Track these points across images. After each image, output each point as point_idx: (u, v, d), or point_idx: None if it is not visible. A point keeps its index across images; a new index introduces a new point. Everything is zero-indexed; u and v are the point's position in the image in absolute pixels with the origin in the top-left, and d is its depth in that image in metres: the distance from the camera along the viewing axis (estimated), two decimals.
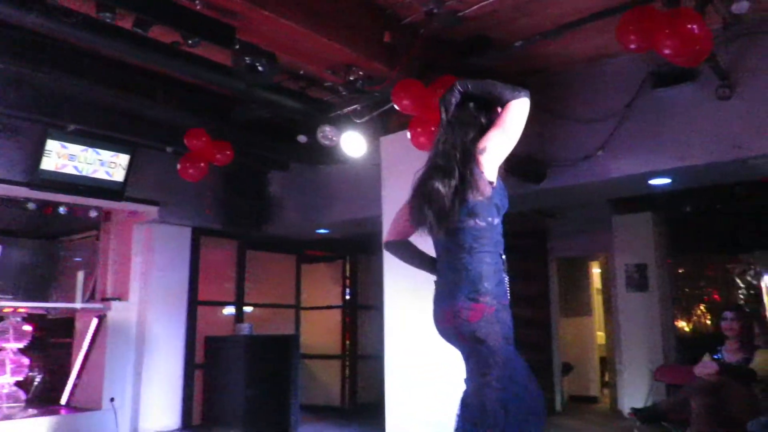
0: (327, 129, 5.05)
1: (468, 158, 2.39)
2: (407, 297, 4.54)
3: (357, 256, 8.97)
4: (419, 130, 4.23)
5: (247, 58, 3.96)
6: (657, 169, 4.72)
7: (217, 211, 7.14)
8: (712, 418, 4.25)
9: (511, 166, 4.99)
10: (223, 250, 7.60)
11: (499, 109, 2.48)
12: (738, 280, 8.31)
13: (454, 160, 2.40)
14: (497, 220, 2.45)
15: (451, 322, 2.34)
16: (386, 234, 2.71)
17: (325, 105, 5.06)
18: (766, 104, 4.27)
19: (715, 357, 4.70)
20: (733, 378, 4.37)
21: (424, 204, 2.42)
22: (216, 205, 7.12)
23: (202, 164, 5.46)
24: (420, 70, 4.40)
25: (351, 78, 4.42)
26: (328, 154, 5.74)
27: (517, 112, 2.43)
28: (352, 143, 5.03)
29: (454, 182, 2.36)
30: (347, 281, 8.95)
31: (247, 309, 7.91)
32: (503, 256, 2.44)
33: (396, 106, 4.30)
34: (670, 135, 4.61)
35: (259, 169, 7.18)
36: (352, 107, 4.86)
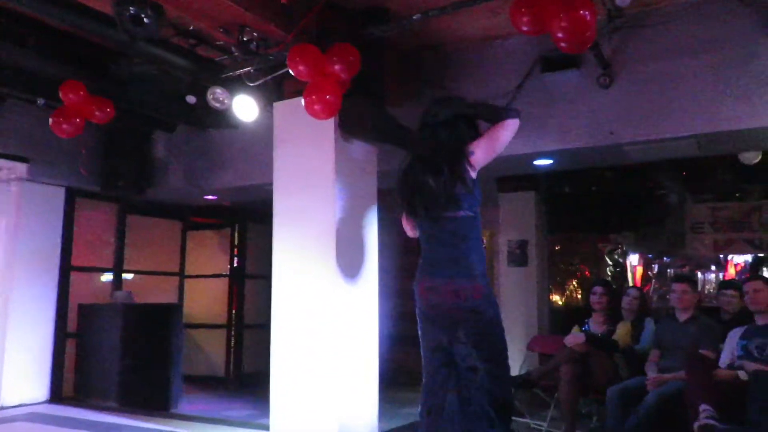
0: (218, 91, 4.84)
1: (458, 158, 2.79)
2: (296, 266, 4.49)
3: (246, 224, 8.78)
4: (314, 97, 4.13)
5: (131, 8, 3.68)
6: (542, 150, 4.94)
7: (95, 172, 6.69)
8: (578, 385, 4.57)
9: (406, 142, 5.05)
10: (101, 214, 7.18)
11: (483, 125, 2.93)
12: (607, 258, 8.96)
13: (441, 157, 2.80)
14: (479, 210, 2.87)
15: (452, 299, 2.76)
16: (410, 233, 3.09)
17: (216, 65, 4.83)
18: (640, 94, 4.56)
19: (584, 329, 5.04)
20: (598, 348, 4.71)
21: (414, 195, 2.87)
22: (93, 166, 6.66)
23: (78, 120, 5.05)
24: (317, 36, 4.29)
25: (244, 39, 4.24)
26: (218, 118, 5.50)
27: (509, 130, 2.88)
28: (244, 107, 4.85)
29: (443, 177, 2.76)
30: (235, 249, 8.75)
31: (128, 276, 7.54)
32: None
33: (291, 72, 4.18)
34: (554, 118, 4.82)
35: (143, 130, 6.78)
36: (245, 70, 4.67)
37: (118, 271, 7.33)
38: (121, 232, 7.36)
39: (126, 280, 7.50)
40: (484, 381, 2.79)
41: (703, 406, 3.50)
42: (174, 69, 4.76)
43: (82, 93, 4.80)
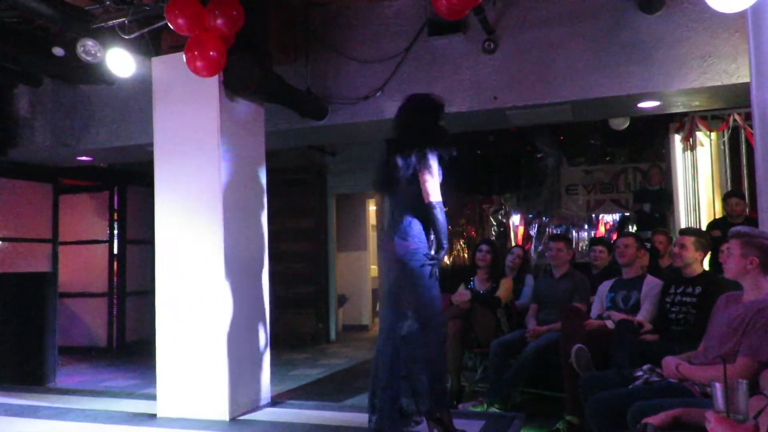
0: (89, 43, 4.48)
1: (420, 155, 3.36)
2: (180, 231, 4.32)
3: (126, 187, 8.32)
4: (196, 53, 3.93)
5: None
6: None
7: None
8: (462, 340, 4.78)
9: (294, 102, 4.95)
10: None
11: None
12: (491, 219, 9.36)
13: (410, 149, 3.37)
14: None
15: (390, 250, 3.44)
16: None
17: (85, 15, 4.45)
18: (521, 60, 4.73)
19: (469, 286, 5.25)
20: (482, 304, 4.93)
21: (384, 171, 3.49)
22: None
23: None
24: None
25: None
26: (90, 72, 5.12)
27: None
28: (119, 62, 4.53)
29: (411, 161, 3.35)
30: (115, 214, 8.29)
31: None
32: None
33: (170, 25, 3.94)
34: (440, 82, 4.89)
35: (3, 83, 6.16)
36: (119, 21, 4.34)
37: None
38: None
39: None
40: (411, 329, 3.37)
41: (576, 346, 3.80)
42: (36, 16, 4.34)
43: None
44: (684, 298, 3.71)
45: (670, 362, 2.74)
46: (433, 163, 3.36)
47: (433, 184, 3.35)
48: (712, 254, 4.83)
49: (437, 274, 3.42)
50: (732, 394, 1.78)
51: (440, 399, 3.38)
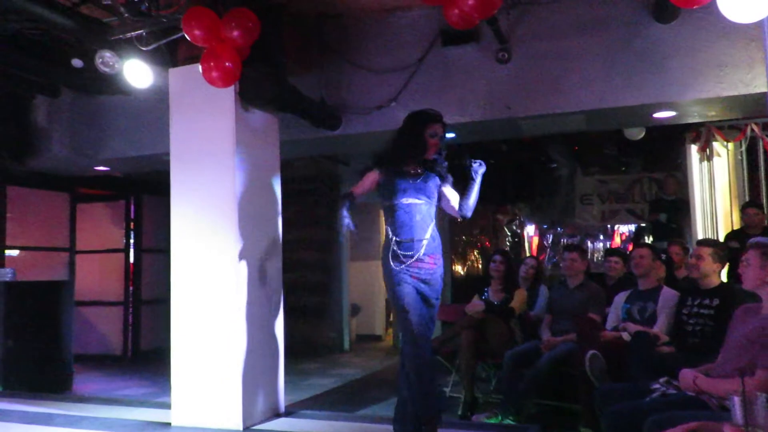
0: (107, 55, 4.53)
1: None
2: (196, 239, 4.35)
3: (142, 196, 8.40)
4: (212, 64, 3.97)
5: None
6: None
7: None
8: (476, 350, 4.75)
9: (308, 112, 4.98)
10: None
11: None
12: (505, 229, 9.32)
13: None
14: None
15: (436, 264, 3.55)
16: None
17: (104, 27, 4.51)
18: (535, 70, 4.72)
19: (483, 297, 5.23)
20: (496, 315, 4.91)
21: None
22: None
23: None
24: None
25: None
26: (107, 83, 5.18)
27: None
28: (136, 73, 4.58)
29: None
30: (131, 223, 8.37)
31: (12, 253, 7.03)
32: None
33: (187, 36, 3.98)
34: (454, 91, 4.90)
35: (22, 94, 6.25)
36: (137, 33, 4.40)
37: None
38: (1, 205, 6.83)
39: (10, 257, 7.00)
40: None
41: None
42: (55, 29, 4.40)
43: None
44: (701, 310, 3.67)
45: (687, 375, 2.70)
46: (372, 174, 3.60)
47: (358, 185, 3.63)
48: (729, 265, 4.78)
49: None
50: (750, 407, 1.76)
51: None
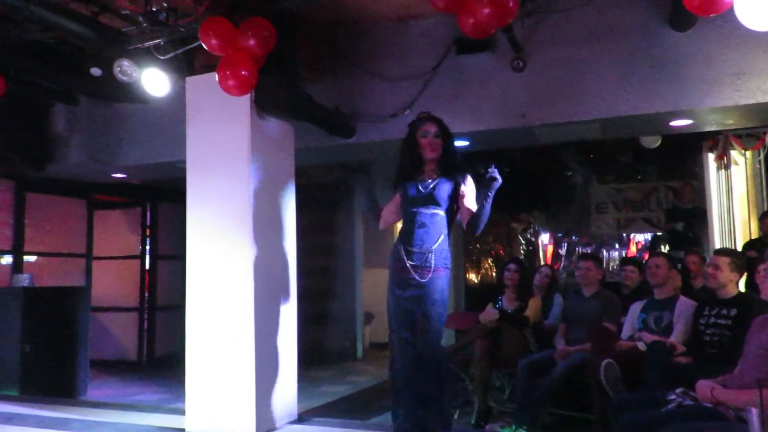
0: (125, 63, 4.60)
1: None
2: (211, 246, 4.38)
3: (158, 203, 8.47)
4: (228, 72, 4.01)
5: None
6: (457, 131, 5.00)
7: None
8: (490, 359, 4.73)
9: (323, 120, 5.00)
10: None
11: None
12: (520, 237, 9.29)
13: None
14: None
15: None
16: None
17: (122, 36, 4.57)
18: (550, 78, 4.70)
19: (497, 305, 5.21)
20: (510, 323, 4.88)
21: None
22: None
23: None
24: (228, 8, 4.15)
25: (152, 8, 4.04)
26: (125, 91, 5.24)
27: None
28: (154, 81, 4.64)
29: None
30: (147, 230, 8.44)
31: (30, 259, 7.11)
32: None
33: (204, 45, 4.03)
34: (469, 100, 4.90)
35: (41, 102, 6.34)
36: (155, 42, 4.45)
37: (17, 253, 6.90)
38: (20, 211, 6.92)
39: (28, 262, 7.08)
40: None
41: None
42: (74, 38, 4.46)
43: None
44: (718, 320, 3.63)
45: (704, 386, 2.67)
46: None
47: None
48: (747, 275, 4.72)
49: None
50: None
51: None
